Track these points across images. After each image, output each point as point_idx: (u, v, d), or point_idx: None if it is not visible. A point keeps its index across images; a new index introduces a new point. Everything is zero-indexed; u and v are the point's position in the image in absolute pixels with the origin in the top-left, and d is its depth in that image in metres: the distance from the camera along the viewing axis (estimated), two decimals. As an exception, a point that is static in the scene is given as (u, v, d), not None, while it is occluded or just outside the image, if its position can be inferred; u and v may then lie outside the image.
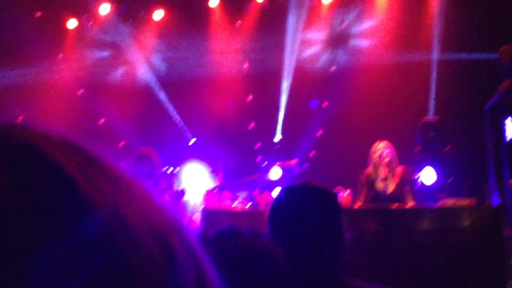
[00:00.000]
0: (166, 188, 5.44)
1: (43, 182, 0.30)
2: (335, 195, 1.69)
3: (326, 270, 1.51)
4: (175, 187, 5.40)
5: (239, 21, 8.10)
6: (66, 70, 8.56)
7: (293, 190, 1.65)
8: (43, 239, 0.28)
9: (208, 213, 5.44)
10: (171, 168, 6.98)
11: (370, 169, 4.97)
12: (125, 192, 0.34)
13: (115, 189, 0.33)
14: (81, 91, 8.59)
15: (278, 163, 6.21)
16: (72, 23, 8.40)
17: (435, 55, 7.46)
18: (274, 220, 1.61)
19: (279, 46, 8.11)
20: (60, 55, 8.54)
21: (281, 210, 1.61)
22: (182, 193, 5.25)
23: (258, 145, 8.28)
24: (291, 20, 7.96)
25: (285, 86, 8.16)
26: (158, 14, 8.27)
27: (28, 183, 0.29)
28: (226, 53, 8.44)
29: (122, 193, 0.34)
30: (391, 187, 4.70)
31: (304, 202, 1.58)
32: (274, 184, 7.10)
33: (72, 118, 8.38)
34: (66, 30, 8.51)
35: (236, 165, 7.59)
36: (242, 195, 6.64)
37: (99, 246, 0.30)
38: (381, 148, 4.85)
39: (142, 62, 8.64)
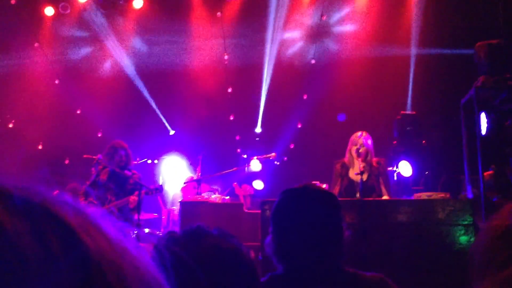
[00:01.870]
0: (140, 179, 5.38)
1: (55, 236, 0.40)
2: (334, 196, 1.76)
3: (330, 264, 1.61)
4: (154, 180, 5.34)
5: (218, 13, 8.03)
6: (42, 58, 8.39)
7: (295, 192, 1.70)
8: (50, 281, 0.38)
9: (186, 205, 5.41)
10: (150, 160, 6.93)
11: (346, 158, 4.99)
12: (116, 247, 0.45)
13: (109, 243, 0.44)
14: (57, 81, 8.43)
15: (257, 156, 6.21)
16: (48, 11, 8.22)
17: (413, 50, 7.55)
18: (277, 222, 1.67)
19: (260, 38, 8.09)
20: (36, 44, 8.36)
21: (285, 212, 1.67)
22: (160, 189, 5.19)
23: (238, 137, 8.27)
24: (272, 13, 7.94)
25: (266, 78, 8.15)
26: (138, 3, 8.14)
27: (43, 236, 0.40)
28: (206, 44, 8.39)
29: (114, 247, 0.44)
30: (365, 176, 4.73)
31: (307, 203, 1.65)
32: (253, 176, 7.11)
33: (48, 107, 8.24)
34: (42, 18, 8.33)
35: (215, 157, 7.57)
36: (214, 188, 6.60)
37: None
38: (361, 139, 4.87)
39: (120, 52, 8.52)
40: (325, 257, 1.60)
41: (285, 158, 7.87)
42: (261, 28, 8.04)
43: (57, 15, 8.27)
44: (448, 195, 4.53)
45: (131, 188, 5.43)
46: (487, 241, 0.78)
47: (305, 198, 1.66)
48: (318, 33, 7.99)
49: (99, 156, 5.44)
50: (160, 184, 5.37)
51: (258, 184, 7.21)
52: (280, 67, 8.07)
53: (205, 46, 8.40)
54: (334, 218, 1.65)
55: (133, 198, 5.33)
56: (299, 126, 7.95)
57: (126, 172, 5.44)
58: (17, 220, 0.41)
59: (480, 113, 4.49)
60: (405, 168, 5.61)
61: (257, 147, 7.71)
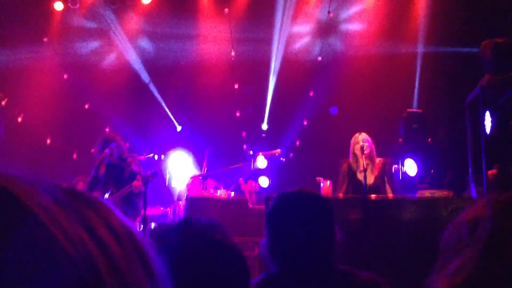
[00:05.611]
0: (138, 171, 5.42)
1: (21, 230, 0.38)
2: (327, 200, 1.83)
3: (322, 264, 1.69)
4: (156, 171, 5.32)
5: (226, 9, 8.06)
6: (51, 53, 8.46)
7: (289, 197, 1.77)
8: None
9: (191, 201, 5.46)
10: (156, 156, 6.99)
11: (350, 160, 5.03)
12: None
13: (87, 232, 0.41)
14: (66, 76, 8.50)
15: (262, 152, 6.24)
16: (58, 5, 8.29)
17: (419, 48, 7.52)
18: (272, 225, 1.74)
19: (267, 35, 8.10)
20: (45, 39, 8.43)
21: (279, 216, 1.74)
22: (155, 173, 5.15)
23: (244, 133, 8.30)
24: (280, 9, 7.94)
25: (272, 75, 8.17)
26: (146, -1, 8.22)
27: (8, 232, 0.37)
28: (213, 40, 8.41)
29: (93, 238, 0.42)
30: (371, 178, 4.77)
31: (301, 208, 1.73)
32: (258, 173, 7.15)
33: (57, 102, 8.31)
34: (51, 12, 8.39)
35: (221, 153, 7.61)
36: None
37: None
38: (361, 140, 4.90)
39: (129, 47, 8.57)
40: (318, 258, 1.68)
41: (291, 155, 7.89)
42: (268, 23, 8.05)
43: (66, 10, 8.33)
44: (451, 193, 4.54)
45: (129, 176, 5.49)
46: (448, 234, 0.82)
47: (299, 202, 1.73)
48: (325, 29, 7.99)
49: (106, 150, 5.49)
50: (156, 170, 5.34)
51: (264, 181, 7.23)
52: (287, 64, 8.08)
53: (212, 42, 8.42)
54: (327, 221, 1.73)
55: (136, 183, 5.37)
56: (305, 123, 7.97)
57: (123, 162, 5.49)
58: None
59: (485, 112, 4.49)
60: (410, 167, 5.62)
61: (263, 143, 7.73)
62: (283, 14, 7.95)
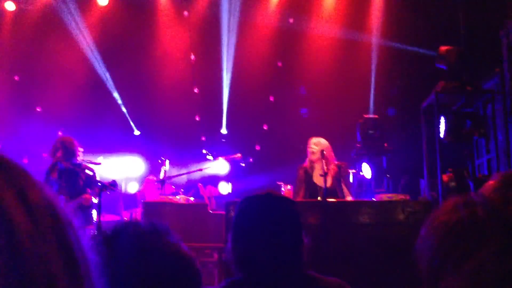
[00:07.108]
0: (92, 176, 5.23)
1: None
2: (295, 204, 1.77)
3: (290, 270, 1.63)
4: (110, 178, 5.14)
5: (185, 12, 7.99)
6: (1, 54, 8.13)
7: (256, 200, 1.70)
8: None
9: (149, 206, 5.34)
10: (112, 160, 6.82)
11: (307, 165, 5.04)
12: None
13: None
14: (17, 77, 8.18)
15: (222, 156, 6.20)
16: (9, 6, 7.98)
17: (375, 44, 7.67)
18: (238, 229, 1.67)
19: (225, 37, 8.08)
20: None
21: (245, 220, 1.67)
22: (114, 184, 4.99)
23: (203, 138, 8.23)
24: (236, 13, 7.93)
25: (226, 78, 8.12)
26: (103, 1, 8.03)
27: None
28: (173, 42, 8.31)
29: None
30: (328, 182, 4.80)
31: (268, 211, 1.66)
32: (218, 178, 7.09)
33: (7, 105, 7.99)
34: (2, 13, 8.08)
35: (180, 157, 7.50)
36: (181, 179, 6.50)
37: None
38: (317, 144, 4.93)
39: (84, 48, 8.33)
40: (285, 264, 1.62)
41: (251, 160, 7.88)
42: (227, 27, 8.03)
43: (18, 10, 8.03)
44: (407, 197, 4.64)
45: (83, 184, 5.25)
46: (438, 239, 0.79)
47: (266, 206, 1.67)
48: (285, 35, 8.04)
49: (58, 154, 5.28)
50: (114, 179, 5.14)
51: (224, 188, 7.17)
52: (245, 67, 8.07)
53: (171, 45, 8.32)
54: (294, 225, 1.67)
55: (86, 196, 5.16)
56: (265, 127, 7.97)
57: (77, 168, 5.26)
58: None
59: (440, 117, 4.62)
60: (366, 170, 5.72)
61: (223, 148, 7.69)
62: (242, 17, 7.94)
